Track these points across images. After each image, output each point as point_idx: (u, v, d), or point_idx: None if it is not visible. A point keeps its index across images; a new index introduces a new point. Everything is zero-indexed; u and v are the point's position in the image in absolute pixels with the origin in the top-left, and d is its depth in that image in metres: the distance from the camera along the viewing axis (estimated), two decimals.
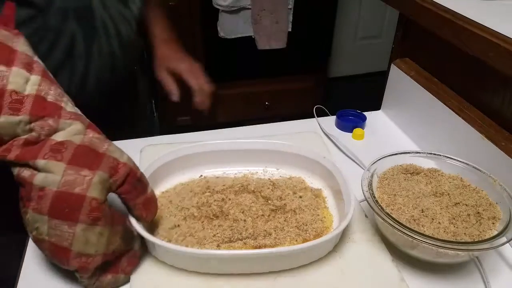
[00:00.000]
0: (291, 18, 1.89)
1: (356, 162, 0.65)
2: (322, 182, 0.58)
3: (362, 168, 0.64)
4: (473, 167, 0.53)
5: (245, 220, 0.50)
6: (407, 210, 0.48)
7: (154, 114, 0.97)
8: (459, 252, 0.44)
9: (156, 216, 0.48)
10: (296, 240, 0.49)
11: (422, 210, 0.48)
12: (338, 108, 0.75)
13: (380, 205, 0.47)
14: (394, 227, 0.45)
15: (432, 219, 0.47)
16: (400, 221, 0.45)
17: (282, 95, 2.12)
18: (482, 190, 0.51)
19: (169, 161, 0.57)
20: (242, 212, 0.52)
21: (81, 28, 0.66)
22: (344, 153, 0.68)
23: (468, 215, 0.47)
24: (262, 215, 0.52)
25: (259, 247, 0.47)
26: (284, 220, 0.51)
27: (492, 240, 0.44)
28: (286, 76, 2.10)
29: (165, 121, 1.75)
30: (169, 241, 0.48)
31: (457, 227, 0.46)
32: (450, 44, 0.56)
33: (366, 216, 0.54)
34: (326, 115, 0.76)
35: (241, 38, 1.88)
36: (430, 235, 0.44)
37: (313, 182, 0.59)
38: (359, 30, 2.55)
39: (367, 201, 0.48)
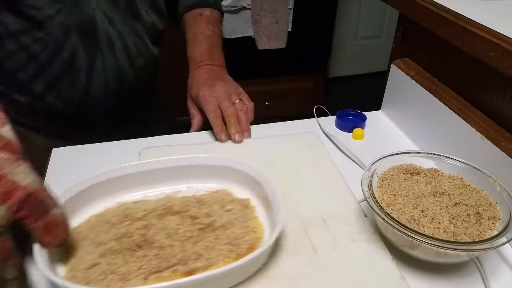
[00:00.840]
0: (291, 18, 1.89)
1: (356, 162, 0.65)
2: (248, 192, 0.55)
3: (362, 168, 0.64)
4: (473, 167, 0.53)
5: (172, 245, 0.46)
6: (407, 210, 0.48)
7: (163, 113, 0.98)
8: (459, 252, 0.44)
9: (71, 257, 0.44)
10: (230, 257, 0.45)
11: (422, 210, 0.48)
12: (338, 108, 0.75)
13: (380, 205, 0.47)
14: (394, 227, 0.45)
15: (432, 219, 0.47)
16: (400, 221, 0.45)
17: (282, 95, 2.12)
18: (482, 190, 0.51)
19: (77, 193, 0.50)
20: (168, 237, 0.47)
21: (83, 42, 0.66)
22: (344, 153, 0.68)
23: (468, 215, 0.47)
24: (191, 236, 0.48)
25: (191, 272, 0.43)
26: (215, 238, 0.48)
27: (492, 240, 0.44)
28: (286, 76, 2.10)
29: (165, 121, 1.75)
30: (88, 283, 0.42)
31: (457, 227, 0.46)
32: (450, 44, 0.56)
33: (365, 215, 0.54)
34: (326, 115, 0.76)
35: (241, 38, 1.88)
36: (430, 235, 0.44)
37: (240, 192, 0.55)
38: (359, 30, 2.55)
39: (367, 201, 0.48)
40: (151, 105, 0.87)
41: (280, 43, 1.91)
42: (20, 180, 0.38)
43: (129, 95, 0.75)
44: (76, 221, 0.50)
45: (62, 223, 0.41)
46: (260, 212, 0.53)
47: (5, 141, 0.39)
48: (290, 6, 1.86)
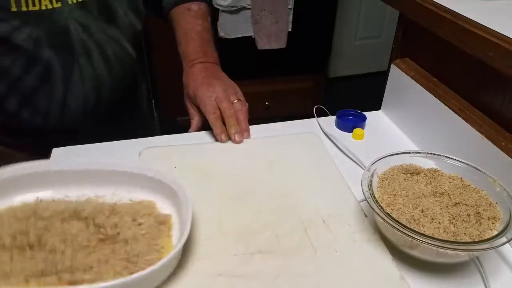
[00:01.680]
0: (291, 18, 1.89)
1: (356, 162, 0.65)
2: (173, 207, 0.52)
3: (362, 168, 0.64)
4: (473, 167, 0.53)
5: (63, 252, 0.44)
6: (407, 210, 0.48)
7: (154, 114, 0.96)
8: (459, 252, 0.44)
9: None
10: (121, 274, 0.43)
11: (422, 210, 0.48)
12: (338, 108, 0.75)
13: (380, 205, 0.47)
14: (394, 227, 0.45)
15: (432, 219, 0.47)
16: (400, 221, 0.45)
17: (282, 95, 2.12)
18: (482, 190, 0.51)
19: (6, 178, 0.50)
20: (64, 242, 0.45)
21: (56, 53, 0.63)
22: (344, 153, 0.68)
23: (468, 215, 0.47)
24: (87, 245, 0.45)
25: (76, 283, 0.41)
26: (111, 252, 0.45)
27: (492, 240, 0.44)
28: (286, 76, 2.10)
29: (165, 121, 1.75)
30: None
31: (457, 227, 0.46)
32: (450, 44, 0.56)
33: (365, 215, 0.54)
34: (326, 115, 0.76)
35: (241, 38, 1.89)
36: (430, 235, 0.44)
37: (165, 207, 0.52)
38: (359, 30, 2.55)
39: (367, 201, 0.48)
40: (133, 106, 0.85)
41: (280, 43, 1.91)
42: None
43: (109, 102, 0.73)
44: None
45: None
46: (177, 231, 0.49)
47: None
48: (290, 6, 1.86)
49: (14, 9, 0.58)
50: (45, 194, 0.52)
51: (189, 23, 0.78)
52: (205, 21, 0.79)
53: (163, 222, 0.50)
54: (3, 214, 0.49)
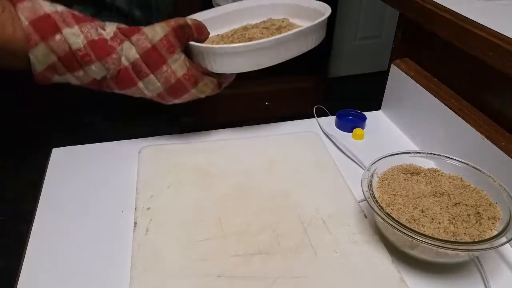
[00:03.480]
0: None
1: (356, 162, 0.65)
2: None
3: (362, 168, 0.64)
4: (473, 167, 0.53)
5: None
6: (407, 210, 0.48)
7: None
8: (459, 252, 0.44)
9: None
10: None
11: (422, 210, 0.48)
12: (338, 108, 0.75)
13: (380, 205, 0.47)
14: (394, 227, 0.45)
15: (432, 219, 0.47)
16: (400, 221, 0.45)
17: (282, 95, 2.12)
18: (482, 190, 0.51)
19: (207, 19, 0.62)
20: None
21: (142, 13, 0.66)
22: (344, 153, 0.68)
23: (468, 215, 0.47)
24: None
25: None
26: None
27: (492, 240, 0.44)
28: (286, 76, 2.09)
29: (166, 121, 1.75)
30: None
31: (457, 227, 0.46)
32: (450, 44, 0.56)
33: (365, 216, 0.54)
34: (326, 115, 0.76)
35: None
36: (430, 235, 0.44)
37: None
38: (359, 30, 2.55)
39: (367, 201, 0.48)
40: None
41: None
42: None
43: None
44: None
45: (203, 26, 0.55)
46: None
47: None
48: None
49: None
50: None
51: None
52: None
53: None
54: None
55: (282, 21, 0.63)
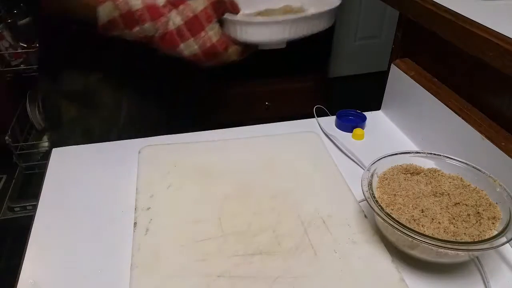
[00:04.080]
0: None
1: (356, 162, 0.65)
2: None
3: (362, 168, 0.64)
4: (473, 167, 0.53)
5: None
6: (407, 210, 0.48)
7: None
8: (459, 252, 0.44)
9: None
10: None
11: (422, 210, 0.48)
12: (338, 108, 0.75)
13: (380, 205, 0.47)
14: (394, 227, 0.44)
15: (432, 219, 0.47)
16: (400, 221, 0.45)
17: (282, 95, 2.12)
18: (482, 190, 0.51)
19: None
20: None
21: None
22: (344, 153, 0.68)
23: (468, 215, 0.47)
24: None
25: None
26: None
27: (492, 240, 0.44)
28: (286, 76, 2.09)
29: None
30: None
31: (457, 227, 0.46)
32: (450, 44, 0.56)
33: (365, 216, 0.54)
34: (326, 115, 0.76)
35: None
36: (430, 235, 0.44)
37: None
38: (359, 30, 2.55)
39: (367, 201, 0.48)
40: None
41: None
42: None
43: None
44: None
45: (235, 3, 0.66)
46: None
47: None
48: None
49: None
50: None
51: None
52: None
53: None
54: None
55: (299, 8, 0.72)
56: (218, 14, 0.61)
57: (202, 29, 0.60)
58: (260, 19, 0.63)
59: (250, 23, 0.61)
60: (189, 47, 0.60)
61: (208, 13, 0.60)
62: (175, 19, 0.59)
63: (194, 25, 0.59)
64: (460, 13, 0.55)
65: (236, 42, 0.63)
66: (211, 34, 0.60)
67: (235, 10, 0.65)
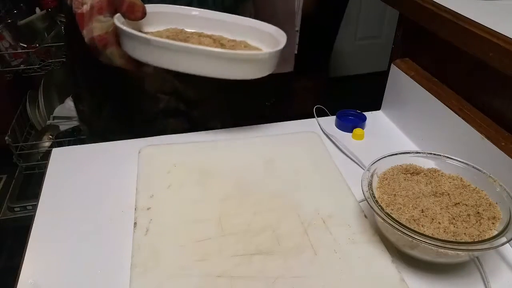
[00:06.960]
0: (297, 40, 1.86)
1: (356, 162, 0.65)
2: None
3: (362, 168, 0.64)
4: (473, 167, 0.53)
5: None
6: (407, 210, 0.48)
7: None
8: (459, 252, 0.44)
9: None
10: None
11: (422, 210, 0.48)
12: (338, 108, 0.75)
13: (380, 205, 0.47)
14: (394, 227, 0.45)
15: (432, 219, 0.47)
16: (400, 221, 0.45)
17: (282, 95, 2.12)
18: (482, 190, 0.51)
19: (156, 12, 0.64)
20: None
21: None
22: (344, 153, 0.68)
23: (468, 215, 0.47)
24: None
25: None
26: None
27: (492, 240, 0.44)
28: (286, 76, 2.09)
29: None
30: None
31: (457, 227, 0.46)
32: (450, 44, 0.56)
33: (365, 216, 0.54)
34: (326, 115, 0.76)
35: None
36: (430, 235, 0.44)
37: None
38: (359, 30, 2.55)
39: (367, 201, 0.48)
40: None
41: (287, 66, 1.88)
42: None
43: None
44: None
45: (136, 7, 0.59)
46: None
47: None
48: (297, 28, 1.83)
49: None
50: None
51: None
52: None
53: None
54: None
55: (231, 41, 0.65)
56: (110, 8, 0.58)
57: (91, 19, 0.58)
58: (140, 34, 0.56)
59: (125, 33, 0.56)
60: (85, 35, 0.59)
61: (102, 5, 0.58)
62: (88, 3, 0.58)
63: (88, 12, 0.58)
64: (460, 13, 0.55)
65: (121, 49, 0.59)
66: (95, 25, 0.58)
67: (132, 13, 0.59)
